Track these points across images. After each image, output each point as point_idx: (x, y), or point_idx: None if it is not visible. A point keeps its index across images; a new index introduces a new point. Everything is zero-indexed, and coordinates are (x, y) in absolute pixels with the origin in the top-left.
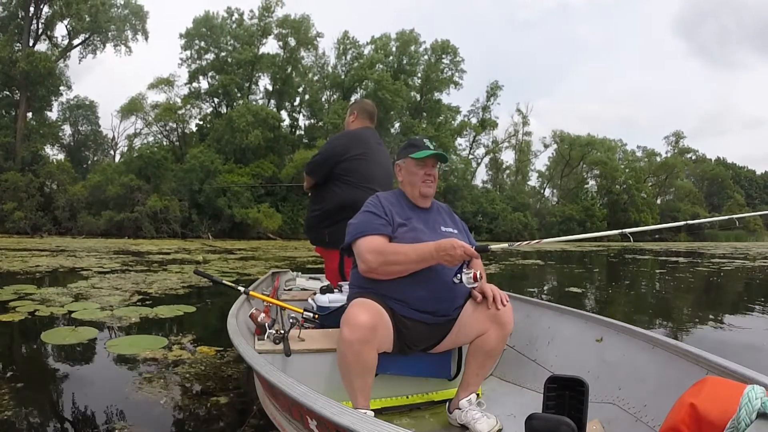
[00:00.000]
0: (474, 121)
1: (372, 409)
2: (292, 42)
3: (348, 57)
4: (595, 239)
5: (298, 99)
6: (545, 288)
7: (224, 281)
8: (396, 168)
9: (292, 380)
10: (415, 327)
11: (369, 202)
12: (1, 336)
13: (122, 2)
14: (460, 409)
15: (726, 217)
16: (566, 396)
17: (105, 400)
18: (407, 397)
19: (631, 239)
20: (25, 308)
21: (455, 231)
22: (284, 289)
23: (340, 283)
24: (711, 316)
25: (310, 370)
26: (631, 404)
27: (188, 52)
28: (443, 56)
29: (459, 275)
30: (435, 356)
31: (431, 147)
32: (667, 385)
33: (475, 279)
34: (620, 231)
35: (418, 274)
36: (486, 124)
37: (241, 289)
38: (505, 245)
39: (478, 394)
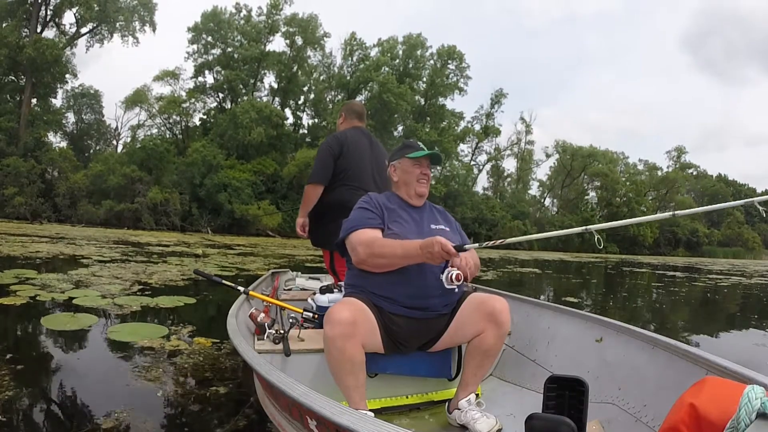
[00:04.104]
0: (477, 127)
1: (371, 410)
2: (299, 41)
3: (354, 58)
4: (593, 251)
5: (302, 98)
6: (541, 296)
7: (224, 281)
8: (390, 169)
9: (291, 380)
10: (405, 324)
11: (362, 199)
12: (2, 318)
13: None
14: (459, 409)
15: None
16: (566, 396)
17: (105, 386)
18: (407, 397)
19: (597, 238)
20: (26, 292)
21: (447, 228)
22: (284, 289)
23: (339, 282)
24: (705, 331)
25: (310, 370)
26: (631, 404)
27: (195, 46)
28: (449, 62)
29: (441, 276)
30: (435, 356)
31: (425, 149)
32: (667, 385)
33: (454, 280)
34: (584, 228)
35: (406, 271)
36: (489, 131)
37: (241, 289)
38: (476, 245)
39: (477, 394)
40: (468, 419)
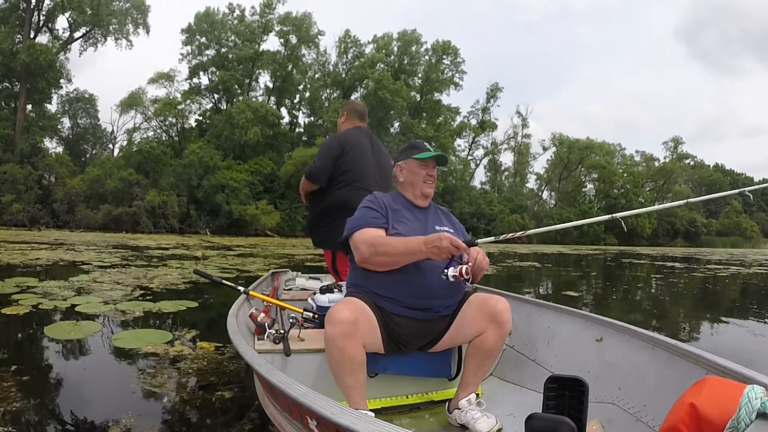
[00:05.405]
0: (473, 122)
1: (371, 409)
2: (293, 39)
3: (349, 56)
4: (592, 243)
5: (298, 96)
6: (541, 290)
7: (224, 281)
8: (396, 169)
9: (291, 380)
10: (406, 324)
11: (367, 198)
12: (6, 329)
13: None
14: (459, 409)
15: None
16: (566, 396)
17: (111, 394)
18: (407, 397)
19: (624, 224)
20: (28, 301)
21: (451, 230)
22: (284, 289)
23: (339, 282)
24: (704, 323)
25: (310, 370)
26: (631, 404)
27: (189, 48)
28: (444, 57)
29: (446, 271)
30: (435, 356)
31: (431, 149)
32: (667, 385)
33: (464, 274)
34: (611, 216)
35: (409, 271)
36: (485, 126)
37: (241, 288)
38: (491, 239)
39: (477, 394)
40: (468, 419)
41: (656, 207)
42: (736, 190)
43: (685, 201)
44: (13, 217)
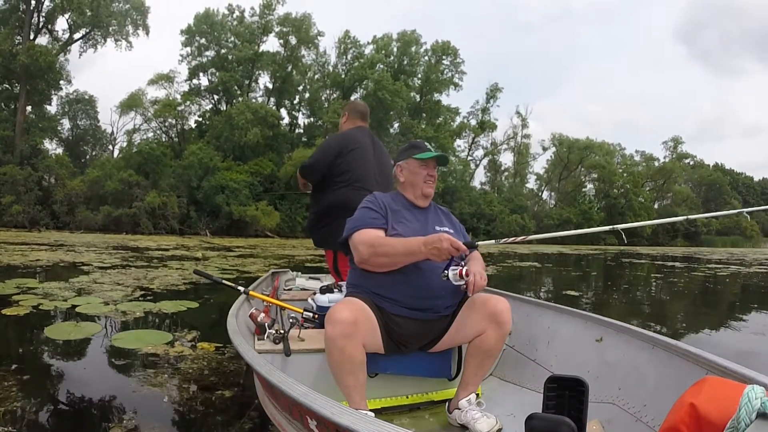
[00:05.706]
0: (473, 122)
1: (371, 409)
2: (292, 40)
3: (349, 56)
4: (592, 242)
5: (297, 97)
6: (542, 290)
7: (224, 281)
8: (397, 169)
9: (291, 380)
10: (406, 324)
11: (366, 199)
12: (7, 329)
13: None
14: (459, 409)
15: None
16: (566, 396)
17: (111, 394)
18: (407, 397)
19: (624, 236)
20: (29, 302)
21: (451, 231)
22: (284, 289)
23: (339, 282)
24: (704, 322)
25: (310, 370)
26: (631, 404)
27: (188, 49)
28: (444, 57)
29: (446, 271)
30: (435, 356)
31: (432, 149)
32: (667, 385)
33: (461, 276)
34: (611, 227)
35: (409, 271)
36: (485, 126)
37: (241, 288)
38: (492, 242)
39: (477, 394)
40: (468, 419)
41: (657, 221)
42: (735, 211)
43: (684, 218)
44: (13, 219)
